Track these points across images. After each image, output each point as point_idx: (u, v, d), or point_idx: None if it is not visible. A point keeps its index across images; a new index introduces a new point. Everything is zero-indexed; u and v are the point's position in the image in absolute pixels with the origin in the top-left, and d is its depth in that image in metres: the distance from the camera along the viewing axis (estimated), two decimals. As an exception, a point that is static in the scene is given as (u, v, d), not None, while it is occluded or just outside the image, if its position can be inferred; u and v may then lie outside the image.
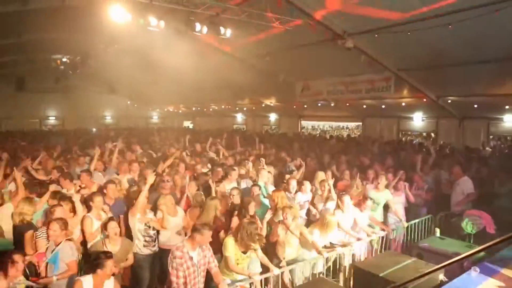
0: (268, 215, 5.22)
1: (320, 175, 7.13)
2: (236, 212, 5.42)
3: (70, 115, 25.79)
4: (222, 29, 10.16)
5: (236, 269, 4.47)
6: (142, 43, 13.09)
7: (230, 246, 4.47)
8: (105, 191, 5.83)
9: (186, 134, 12.95)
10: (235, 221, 5.25)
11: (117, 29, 10.54)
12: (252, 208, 5.33)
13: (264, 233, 4.98)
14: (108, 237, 4.66)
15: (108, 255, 3.83)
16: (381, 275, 4.38)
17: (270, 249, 5.13)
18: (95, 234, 5.03)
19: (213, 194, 6.12)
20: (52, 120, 26.90)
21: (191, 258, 4.01)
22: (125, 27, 9.71)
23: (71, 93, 23.76)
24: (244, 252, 4.56)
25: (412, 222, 6.76)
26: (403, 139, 15.62)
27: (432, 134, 15.07)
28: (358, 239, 5.68)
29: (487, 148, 12.26)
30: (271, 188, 6.77)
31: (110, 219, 4.85)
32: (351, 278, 5.13)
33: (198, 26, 9.58)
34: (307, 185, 6.62)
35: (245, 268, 4.60)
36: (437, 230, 6.36)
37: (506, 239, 1.15)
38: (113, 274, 4.38)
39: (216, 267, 4.26)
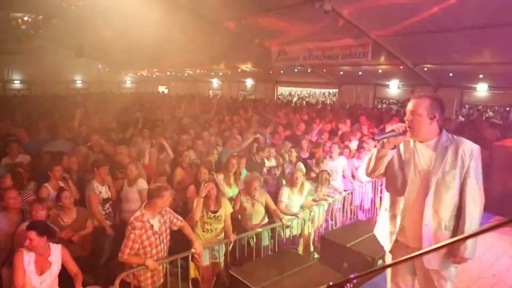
0: None
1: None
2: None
3: (38, 80, 24.41)
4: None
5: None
6: (112, 3, 12.23)
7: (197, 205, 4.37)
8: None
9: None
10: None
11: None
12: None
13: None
14: (63, 208, 4.43)
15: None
16: (348, 245, 4.31)
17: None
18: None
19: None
20: (17, 84, 25.41)
21: (151, 227, 3.73)
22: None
23: (37, 55, 22.36)
24: (213, 212, 4.44)
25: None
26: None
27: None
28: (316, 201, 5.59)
29: (460, 117, 12.38)
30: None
31: (62, 188, 4.60)
32: (313, 247, 5.10)
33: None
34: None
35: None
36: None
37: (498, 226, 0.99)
38: (72, 242, 4.29)
39: (182, 222, 4.05)
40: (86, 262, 4.01)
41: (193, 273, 4.32)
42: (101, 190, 5.03)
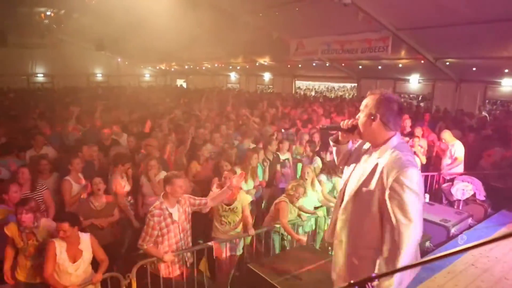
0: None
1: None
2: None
3: (60, 73, 24.97)
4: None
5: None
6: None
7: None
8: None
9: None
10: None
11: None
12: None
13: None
14: (93, 194, 4.57)
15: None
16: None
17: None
18: (75, 199, 4.90)
19: None
20: (40, 78, 26.04)
21: (170, 215, 3.74)
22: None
23: (59, 49, 22.85)
24: (228, 205, 4.47)
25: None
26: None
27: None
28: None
29: (483, 113, 12.07)
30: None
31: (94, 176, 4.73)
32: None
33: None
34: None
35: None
36: (426, 196, 6.28)
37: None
38: (102, 228, 4.47)
39: (205, 200, 4.04)
40: (108, 251, 4.13)
41: (202, 266, 4.37)
42: (124, 183, 5.16)
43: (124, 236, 5.06)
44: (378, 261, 1.98)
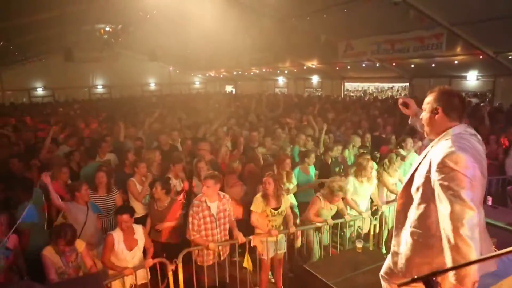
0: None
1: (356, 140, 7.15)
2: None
3: (117, 83, 26.70)
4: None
5: (255, 223, 4.58)
6: (181, 8, 12.97)
7: (258, 202, 4.58)
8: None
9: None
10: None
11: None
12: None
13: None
14: (155, 198, 4.89)
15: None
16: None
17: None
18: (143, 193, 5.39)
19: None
20: (99, 89, 27.93)
21: (208, 208, 4.21)
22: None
23: (116, 61, 24.40)
24: (276, 209, 4.57)
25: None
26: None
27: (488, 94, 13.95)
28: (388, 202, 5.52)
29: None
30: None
31: (156, 180, 5.05)
32: (385, 247, 5.02)
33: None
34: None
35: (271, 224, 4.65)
36: (489, 198, 5.95)
37: None
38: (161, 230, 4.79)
39: (231, 219, 4.45)
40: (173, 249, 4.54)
41: (245, 263, 4.55)
42: (175, 183, 5.51)
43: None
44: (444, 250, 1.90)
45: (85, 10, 13.69)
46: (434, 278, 1.29)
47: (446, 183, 1.90)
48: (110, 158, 6.70)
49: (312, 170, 6.18)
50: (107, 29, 17.16)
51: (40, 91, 25.29)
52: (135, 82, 27.51)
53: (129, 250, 4.03)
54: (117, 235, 3.99)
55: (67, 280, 3.42)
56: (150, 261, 4.04)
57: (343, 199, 5.03)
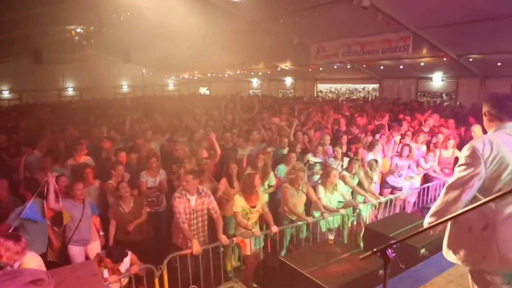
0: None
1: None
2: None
3: (88, 86, 26.12)
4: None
5: (241, 224, 4.73)
6: (154, 10, 12.95)
7: (238, 202, 4.74)
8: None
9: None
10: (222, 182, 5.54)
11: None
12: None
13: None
14: (121, 198, 5.00)
15: None
16: (391, 235, 4.47)
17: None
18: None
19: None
20: (70, 91, 27.22)
21: (188, 201, 4.48)
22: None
23: (87, 63, 23.91)
24: (254, 207, 4.76)
25: (427, 185, 6.78)
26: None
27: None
28: (364, 202, 5.79)
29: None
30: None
31: (121, 181, 5.19)
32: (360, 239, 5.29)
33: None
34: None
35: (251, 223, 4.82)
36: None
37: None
38: (128, 232, 4.89)
39: (216, 214, 4.66)
40: (141, 246, 4.68)
41: (233, 262, 4.79)
42: (146, 179, 5.76)
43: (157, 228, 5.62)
44: None
45: (54, 11, 13.40)
46: (389, 250, 1.50)
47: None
48: (86, 161, 6.67)
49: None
50: (79, 30, 16.86)
51: (5, 94, 24.42)
52: (108, 84, 26.95)
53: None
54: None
55: (67, 266, 3.40)
56: (135, 267, 4.06)
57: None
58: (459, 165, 2.28)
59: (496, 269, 2.22)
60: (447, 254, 2.44)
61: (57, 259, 4.71)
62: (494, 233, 2.16)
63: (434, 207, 2.33)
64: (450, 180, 2.30)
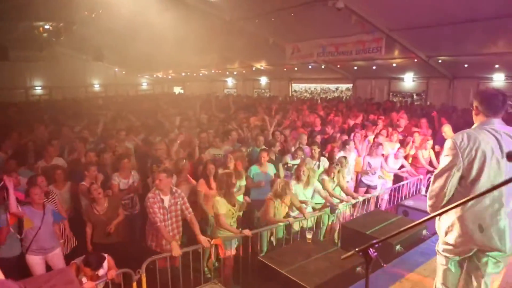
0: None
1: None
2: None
3: (58, 85, 25.17)
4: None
5: (225, 226, 4.64)
6: (128, 8, 12.66)
7: (221, 204, 4.63)
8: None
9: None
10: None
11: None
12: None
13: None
14: (94, 200, 4.87)
15: None
16: (367, 232, 4.56)
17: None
18: None
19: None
20: (38, 90, 26.21)
21: (161, 201, 4.41)
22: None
23: (57, 61, 23.10)
24: (234, 205, 4.74)
25: (402, 183, 6.96)
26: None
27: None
28: (341, 201, 5.85)
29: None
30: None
31: (92, 183, 5.06)
32: (337, 237, 5.36)
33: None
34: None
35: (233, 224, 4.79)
36: (423, 189, 6.57)
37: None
38: (109, 234, 4.79)
39: (190, 214, 4.58)
40: (118, 248, 4.57)
41: (210, 264, 4.77)
42: (118, 181, 5.61)
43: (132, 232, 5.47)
44: None
45: (21, 6, 12.87)
46: (371, 250, 1.52)
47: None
48: (57, 163, 6.45)
49: (271, 168, 6.34)
50: (47, 27, 16.25)
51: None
52: (78, 83, 26.03)
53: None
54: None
55: (41, 274, 3.25)
56: (113, 272, 3.86)
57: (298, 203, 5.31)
58: (443, 156, 2.53)
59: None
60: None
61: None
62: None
63: (428, 193, 2.61)
64: (436, 170, 2.56)
